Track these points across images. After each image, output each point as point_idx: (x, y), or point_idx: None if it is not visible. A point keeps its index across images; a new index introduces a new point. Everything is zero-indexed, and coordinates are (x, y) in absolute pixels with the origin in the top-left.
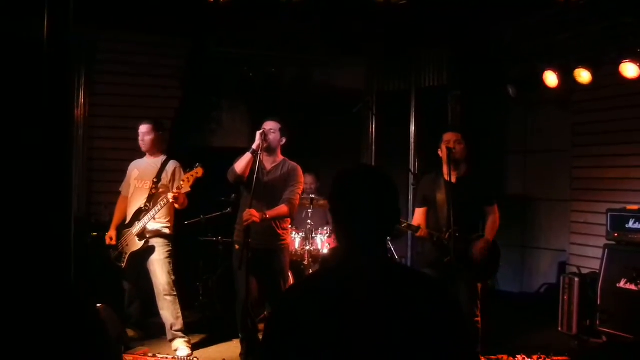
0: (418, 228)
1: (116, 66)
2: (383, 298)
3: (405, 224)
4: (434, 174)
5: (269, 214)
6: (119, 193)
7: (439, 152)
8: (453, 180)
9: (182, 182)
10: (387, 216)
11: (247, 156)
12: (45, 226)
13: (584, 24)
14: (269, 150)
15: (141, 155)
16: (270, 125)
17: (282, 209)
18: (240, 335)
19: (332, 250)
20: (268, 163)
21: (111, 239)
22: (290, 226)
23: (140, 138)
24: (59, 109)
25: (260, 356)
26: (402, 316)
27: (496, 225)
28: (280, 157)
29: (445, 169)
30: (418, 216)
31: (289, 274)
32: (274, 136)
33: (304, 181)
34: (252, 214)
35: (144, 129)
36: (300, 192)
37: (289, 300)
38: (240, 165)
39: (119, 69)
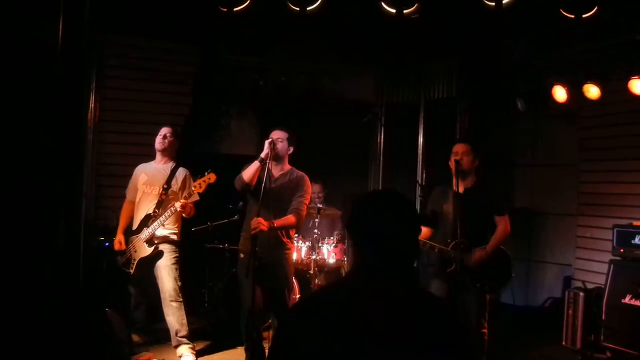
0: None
1: (127, 71)
2: (387, 321)
3: None
4: (444, 186)
5: (277, 223)
6: (125, 196)
7: (450, 164)
8: (460, 190)
9: (193, 188)
10: (405, 240)
11: (255, 164)
12: (55, 230)
13: (595, 39)
14: (277, 158)
15: (148, 159)
16: (278, 134)
17: (290, 219)
18: (244, 344)
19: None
20: (276, 171)
21: (120, 243)
22: (296, 235)
23: (160, 137)
24: (71, 112)
25: None
26: (407, 339)
27: (500, 235)
28: (287, 166)
29: (453, 180)
30: (423, 230)
31: (294, 282)
32: (282, 145)
33: (311, 190)
34: (260, 222)
35: (167, 131)
36: (307, 203)
37: (292, 321)
38: (248, 173)
39: (130, 74)
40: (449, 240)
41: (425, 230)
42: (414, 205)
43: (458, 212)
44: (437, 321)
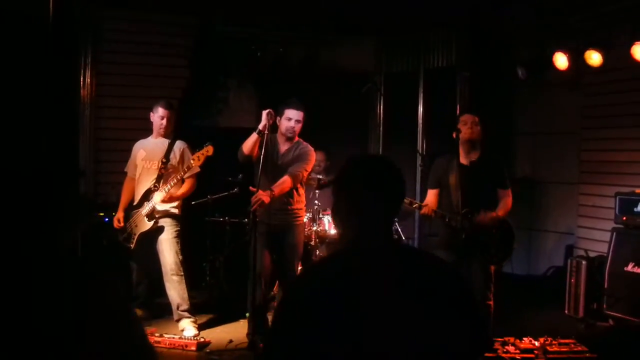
0: (422, 205)
1: (123, 45)
2: (395, 281)
3: (408, 200)
4: (447, 156)
5: (276, 190)
6: (126, 173)
7: (454, 135)
8: (466, 163)
9: (192, 161)
10: (394, 200)
11: (253, 136)
12: (50, 207)
13: (596, 5)
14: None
15: (146, 135)
16: (297, 116)
17: (285, 180)
18: (248, 312)
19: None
20: (284, 146)
21: (119, 221)
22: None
23: (158, 120)
24: (64, 89)
25: (271, 345)
26: (416, 298)
27: (508, 206)
28: (295, 138)
29: (462, 151)
30: (430, 197)
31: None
32: (299, 127)
33: (315, 158)
34: (260, 196)
35: (164, 113)
36: (307, 169)
37: (298, 287)
38: (247, 145)
39: (126, 48)
40: (458, 211)
41: (431, 199)
42: (398, 165)
43: (465, 184)
44: (444, 281)
